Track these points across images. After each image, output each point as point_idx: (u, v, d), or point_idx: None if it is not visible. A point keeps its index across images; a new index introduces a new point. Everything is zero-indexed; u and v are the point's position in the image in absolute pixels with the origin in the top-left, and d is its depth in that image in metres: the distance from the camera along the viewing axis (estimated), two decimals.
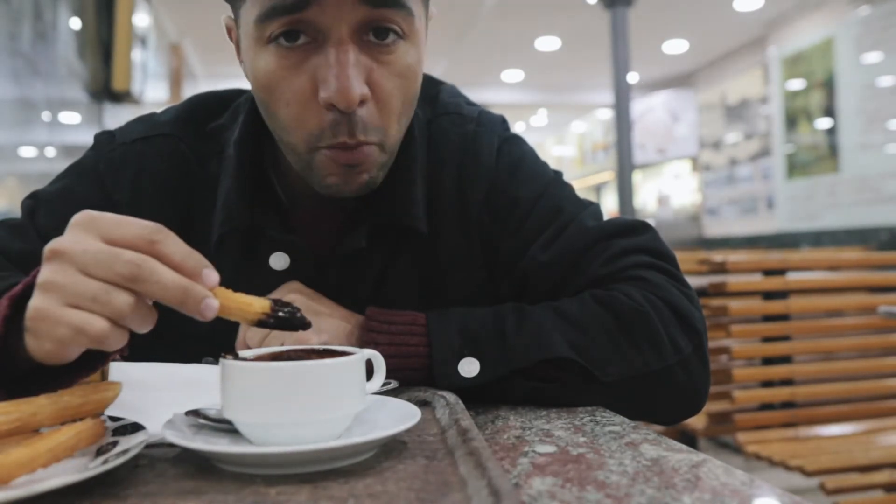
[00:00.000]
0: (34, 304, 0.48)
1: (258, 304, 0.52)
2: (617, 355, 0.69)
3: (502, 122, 0.88)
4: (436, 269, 0.82)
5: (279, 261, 0.78)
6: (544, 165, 0.86)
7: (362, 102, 0.67)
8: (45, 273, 0.48)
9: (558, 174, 0.86)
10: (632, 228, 0.80)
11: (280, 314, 0.52)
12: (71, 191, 0.81)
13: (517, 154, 0.85)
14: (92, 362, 0.54)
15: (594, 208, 0.83)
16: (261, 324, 0.52)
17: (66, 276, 0.48)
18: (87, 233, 0.49)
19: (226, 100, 0.86)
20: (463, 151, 0.83)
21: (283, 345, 0.67)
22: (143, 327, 0.49)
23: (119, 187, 0.80)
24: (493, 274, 0.83)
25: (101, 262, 0.47)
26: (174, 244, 0.49)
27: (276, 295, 0.75)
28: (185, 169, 0.81)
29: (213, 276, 0.50)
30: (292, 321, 0.53)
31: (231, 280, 0.77)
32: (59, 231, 0.51)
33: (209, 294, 0.49)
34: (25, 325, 0.49)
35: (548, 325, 0.69)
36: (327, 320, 0.73)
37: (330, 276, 0.79)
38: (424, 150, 0.82)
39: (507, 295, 0.79)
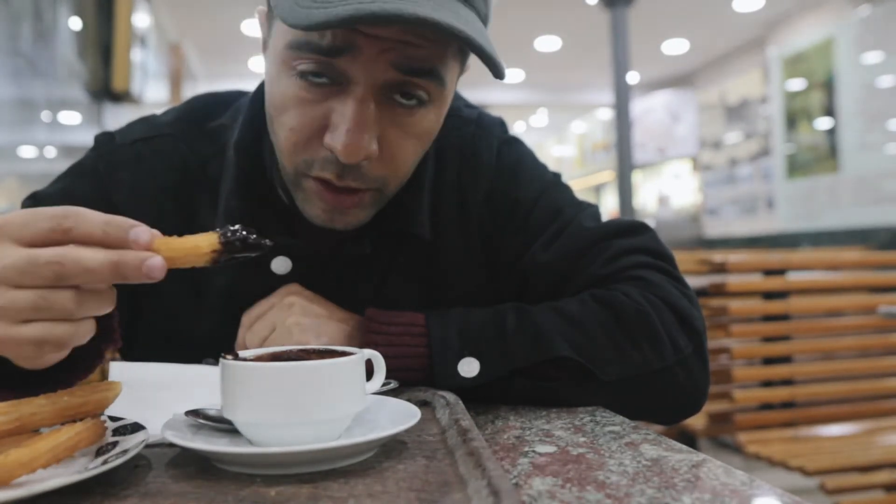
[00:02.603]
0: None
1: (206, 243, 0.48)
2: (617, 355, 0.69)
3: (501, 125, 0.88)
4: (436, 269, 0.82)
5: (281, 265, 0.78)
6: (543, 167, 0.87)
7: (366, 157, 0.66)
8: None
9: (557, 176, 0.86)
10: (631, 229, 0.80)
11: (234, 243, 0.49)
12: (71, 191, 0.80)
13: (516, 156, 0.85)
14: (87, 361, 0.53)
15: (593, 209, 0.83)
16: (216, 261, 0.49)
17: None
18: (1, 243, 0.47)
19: (226, 101, 0.86)
20: (463, 154, 0.83)
21: (283, 345, 0.67)
22: (104, 308, 0.48)
23: (119, 188, 0.80)
24: (493, 274, 0.83)
25: (24, 272, 0.45)
26: (89, 221, 0.47)
27: (275, 297, 0.75)
28: (185, 169, 0.81)
29: (142, 234, 0.47)
30: (247, 244, 0.49)
31: (232, 283, 0.78)
32: None
33: (147, 255, 0.46)
34: None
35: (548, 324, 0.69)
36: (327, 322, 0.73)
37: (331, 278, 0.79)
38: (433, 158, 0.82)
39: (507, 295, 0.79)
